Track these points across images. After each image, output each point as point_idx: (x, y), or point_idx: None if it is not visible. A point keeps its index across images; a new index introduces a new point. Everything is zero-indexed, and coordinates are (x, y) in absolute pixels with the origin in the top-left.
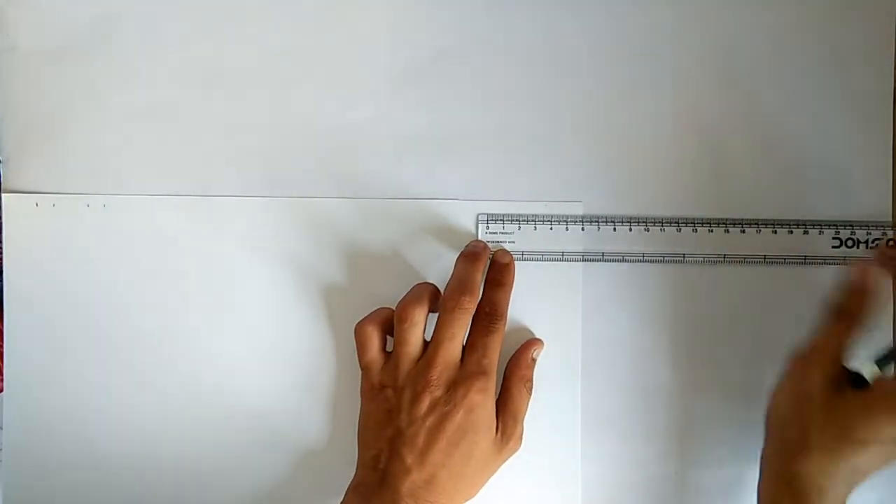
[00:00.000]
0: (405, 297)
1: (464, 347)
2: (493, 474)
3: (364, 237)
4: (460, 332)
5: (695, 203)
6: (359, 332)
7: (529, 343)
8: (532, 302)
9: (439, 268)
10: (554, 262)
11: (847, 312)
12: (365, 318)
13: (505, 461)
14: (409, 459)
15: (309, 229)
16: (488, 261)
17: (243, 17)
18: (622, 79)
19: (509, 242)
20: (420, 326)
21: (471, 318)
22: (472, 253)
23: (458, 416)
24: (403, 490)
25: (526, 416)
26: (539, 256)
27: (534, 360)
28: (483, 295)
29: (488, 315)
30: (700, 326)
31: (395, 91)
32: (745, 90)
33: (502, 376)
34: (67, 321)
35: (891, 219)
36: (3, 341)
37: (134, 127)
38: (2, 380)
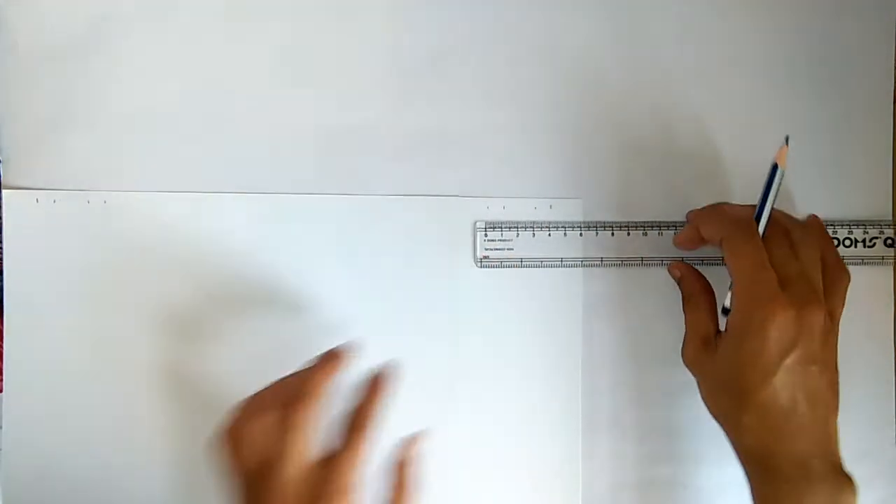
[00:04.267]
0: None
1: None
2: None
3: (364, 234)
4: (305, 447)
5: (693, 205)
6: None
7: (408, 442)
8: (533, 307)
9: (435, 267)
10: (553, 268)
11: (689, 297)
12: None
13: None
14: None
15: (309, 226)
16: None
17: (244, 15)
18: (623, 78)
19: (507, 250)
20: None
21: (315, 428)
22: (327, 358)
23: None
24: None
25: (528, 419)
26: (538, 263)
27: (413, 460)
28: (354, 404)
29: (354, 427)
30: None
31: (394, 91)
32: (744, 90)
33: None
34: (67, 319)
35: (891, 218)
36: (3, 341)
37: (135, 125)
38: (2, 380)
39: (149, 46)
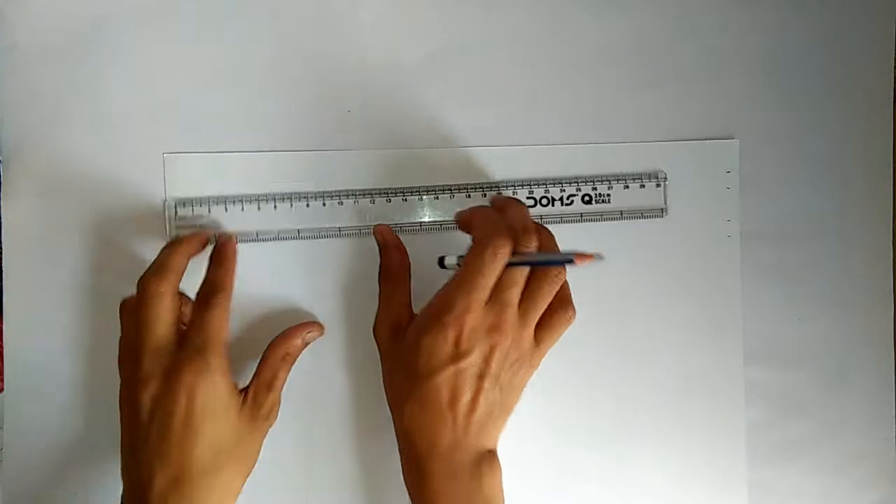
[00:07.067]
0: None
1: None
2: (254, 454)
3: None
4: (161, 315)
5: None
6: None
7: (306, 325)
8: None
9: None
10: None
11: (388, 275)
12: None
13: (263, 435)
14: (151, 464)
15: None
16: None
17: (245, 14)
18: (622, 79)
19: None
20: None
21: (172, 302)
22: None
23: (182, 404)
24: (153, 498)
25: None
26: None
27: (304, 342)
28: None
29: (205, 292)
30: None
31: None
32: (744, 90)
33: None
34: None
35: (891, 219)
36: (3, 341)
37: (135, 125)
38: (2, 379)
39: (148, 47)
